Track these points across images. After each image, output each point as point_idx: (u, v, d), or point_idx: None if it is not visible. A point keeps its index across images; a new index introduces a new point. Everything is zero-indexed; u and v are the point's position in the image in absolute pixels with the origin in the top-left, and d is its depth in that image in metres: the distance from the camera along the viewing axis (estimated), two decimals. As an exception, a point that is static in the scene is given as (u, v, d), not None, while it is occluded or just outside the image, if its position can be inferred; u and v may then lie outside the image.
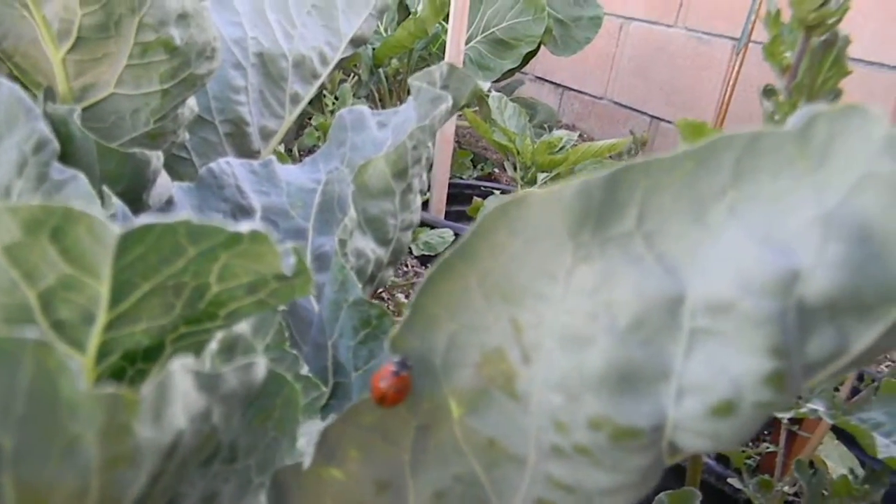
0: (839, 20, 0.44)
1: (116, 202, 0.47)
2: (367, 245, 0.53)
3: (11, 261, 0.23)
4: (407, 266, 1.48)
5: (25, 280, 0.24)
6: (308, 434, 0.37)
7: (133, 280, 0.25)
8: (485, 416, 0.26)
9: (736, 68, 1.92)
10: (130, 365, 0.29)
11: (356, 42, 0.84)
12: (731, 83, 1.95)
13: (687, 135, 0.47)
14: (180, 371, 0.19)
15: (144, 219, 0.22)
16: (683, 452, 0.24)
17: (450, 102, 0.53)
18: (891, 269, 0.20)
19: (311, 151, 1.94)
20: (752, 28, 1.91)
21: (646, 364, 0.22)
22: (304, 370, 0.52)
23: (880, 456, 0.48)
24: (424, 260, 1.47)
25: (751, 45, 1.90)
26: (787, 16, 0.47)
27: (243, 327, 0.32)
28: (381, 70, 1.99)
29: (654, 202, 0.23)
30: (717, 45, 2.22)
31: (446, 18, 1.81)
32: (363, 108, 0.68)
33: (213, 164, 0.64)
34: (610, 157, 1.69)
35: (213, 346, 0.26)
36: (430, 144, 0.55)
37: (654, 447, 0.23)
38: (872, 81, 1.75)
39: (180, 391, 0.19)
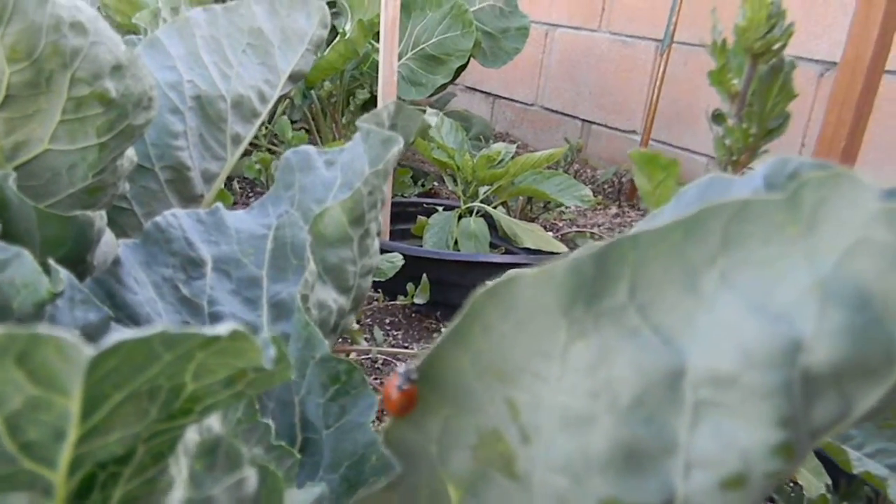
0: (784, 46, 0.44)
1: (64, 274, 0.44)
2: (329, 295, 0.52)
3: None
4: (356, 291, 1.46)
5: (-12, 405, 0.22)
6: (288, 506, 0.36)
7: (105, 392, 0.23)
8: (485, 500, 0.25)
9: (661, 69, 1.97)
10: (101, 470, 0.27)
11: (294, 78, 0.83)
12: (657, 83, 1.99)
13: (641, 165, 0.47)
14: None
15: (117, 336, 0.21)
16: (694, 524, 0.23)
17: (401, 143, 0.52)
18: (894, 331, 0.20)
19: (251, 183, 1.91)
20: (674, 29, 1.95)
21: (651, 441, 0.22)
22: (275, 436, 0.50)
23: (855, 471, 0.49)
24: (375, 285, 1.45)
25: (673, 45, 1.95)
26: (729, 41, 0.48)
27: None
28: (313, 93, 1.96)
29: (645, 273, 0.22)
30: (640, 48, 2.27)
31: (375, 37, 1.80)
32: (308, 147, 0.67)
33: (158, 218, 0.62)
34: (548, 166, 1.71)
35: (191, 447, 0.25)
36: (384, 188, 0.54)
37: (665, 522, 0.23)
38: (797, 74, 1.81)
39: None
